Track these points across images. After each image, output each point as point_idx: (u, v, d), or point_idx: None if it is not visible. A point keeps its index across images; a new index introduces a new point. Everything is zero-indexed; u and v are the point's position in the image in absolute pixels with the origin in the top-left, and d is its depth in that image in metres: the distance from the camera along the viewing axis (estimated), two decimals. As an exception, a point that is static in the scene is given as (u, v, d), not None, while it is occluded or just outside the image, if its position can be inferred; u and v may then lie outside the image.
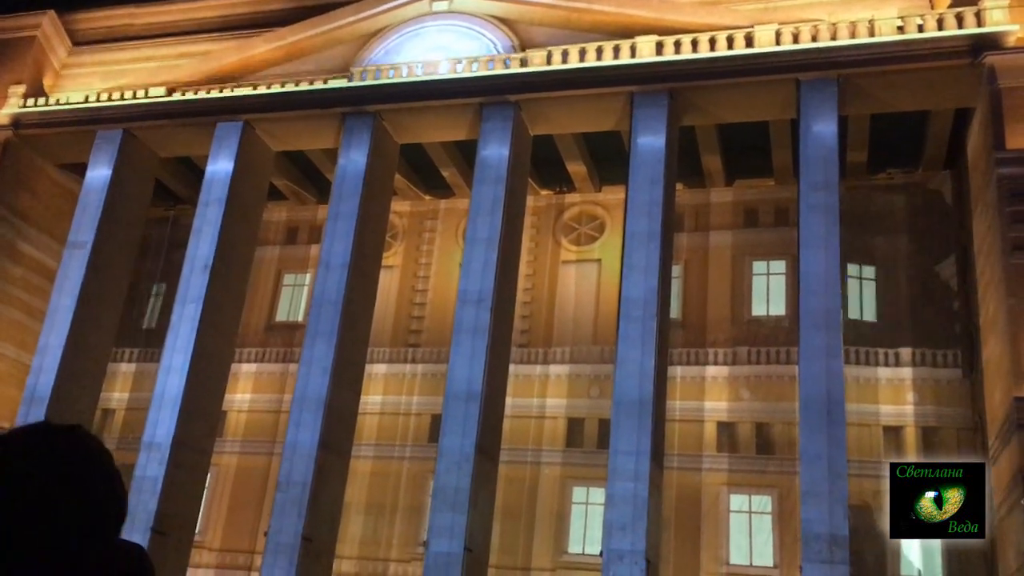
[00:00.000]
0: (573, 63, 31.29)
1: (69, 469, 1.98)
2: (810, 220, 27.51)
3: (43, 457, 1.98)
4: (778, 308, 33.80)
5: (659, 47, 30.57)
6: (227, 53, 36.36)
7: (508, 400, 30.80)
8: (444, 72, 32.85)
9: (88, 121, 36.32)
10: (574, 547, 32.50)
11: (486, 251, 29.98)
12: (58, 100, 37.34)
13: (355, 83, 34.07)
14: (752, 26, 30.04)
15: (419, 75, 33.06)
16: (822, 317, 26.31)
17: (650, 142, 29.72)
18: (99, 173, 35.28)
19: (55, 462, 1.98)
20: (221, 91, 35.20)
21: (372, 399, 34.51)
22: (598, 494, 29.58)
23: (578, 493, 33.19)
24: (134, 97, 35.91)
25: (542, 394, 34.22)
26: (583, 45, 31.52)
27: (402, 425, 35.56)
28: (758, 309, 34.24)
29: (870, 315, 32.75)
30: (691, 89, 30.10)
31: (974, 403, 29.29)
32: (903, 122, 31.02)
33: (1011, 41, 27.09)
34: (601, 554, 25.76)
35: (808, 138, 28.48)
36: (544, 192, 37.35)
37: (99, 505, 2.00)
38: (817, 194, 27.63)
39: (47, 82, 38.81)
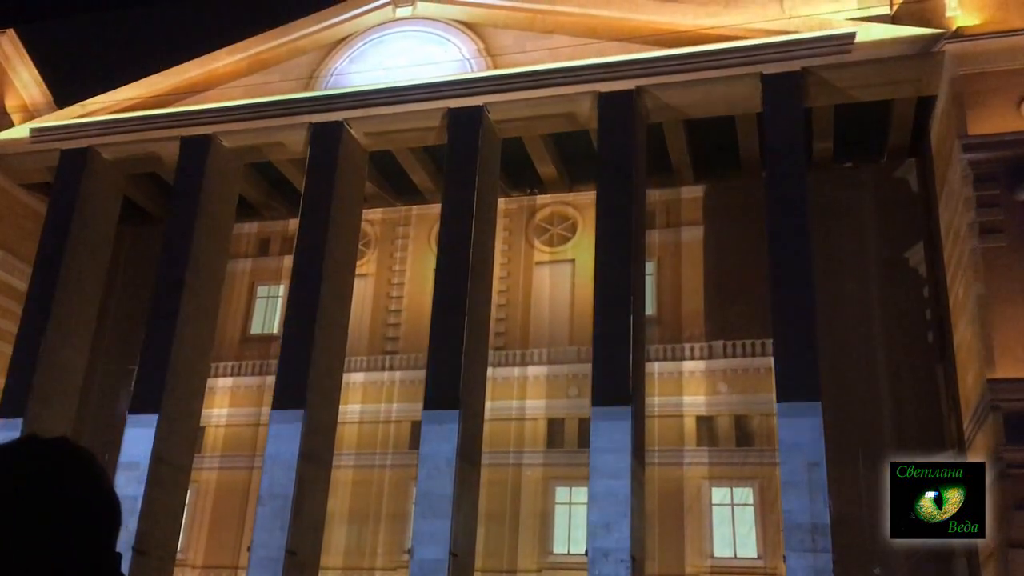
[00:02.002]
0: (539, 64, 31.37)
1: (58, 481, 1.97)
2: (778, 212, 27.77)
3: (32, 470, 1.97)
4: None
5: (624, 46, 30.73)
6: (191, 67, 36.08)
7: (487, 403, 30.80)
8: (410, 78, 32.81)
9: (52, 140, 35.93)
10: (559, 547, 32.53)
11: (459, 255, 29.97)
12: (21, 119, 36.89)
13: (320, 92, 33.96)
14: (714, 22, 30.26)
15: (385, 82, 33.00)
16: (795, 307, 26.55)
17: (618, 141, 29.85)
18: (65, 192, 34.88)
19: (44, 475, 1.96)
20: (186, 105, 34.96)
21: (351, 408, 34.37)
22: (581, 493, 29.63)
23: (561, 493, 33.23)
24: (98, 114, 35.59)
25: (521, 396, 34.22)
26: (548, 46, 31.62)
27: (382, 433, 35.44)
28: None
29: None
30: (657, 87, 30.26)
31: (947, 388, 29.61)
32: (867, 112, 31.34)
33: (969, 29, 27.47)
34: (586, 553, 25.83)
35: (773, 131, 28.75)
36: (515, 194, 37.38)
37: (91, 516, 1.99)
38: (784, 186, 27.89)
39: (8, 102, 38.33)
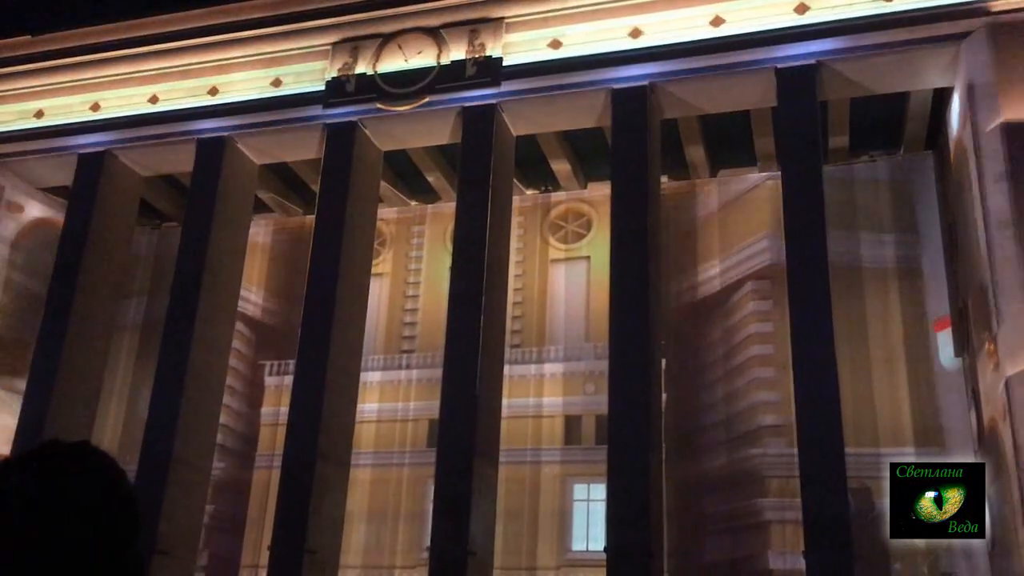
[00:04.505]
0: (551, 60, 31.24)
1: (79, 485, 1.98)
2: (794, 208, 27.59)
3: (53, 475, 1.98)
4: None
5: (635, 42, 30.57)
6: (206, 69, 36.14)
7: (504, 401, 30.79)
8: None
9: (69, 143, 36.13)
10: (577, 544, 32.55)
11: (475, 253, 29.94)
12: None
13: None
14: (727, 16, 30.03)
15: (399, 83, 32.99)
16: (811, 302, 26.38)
17: (632, 137, 29.72)
18: (82, 196, 35.08)
19: (65, 479, 1.98)
20: (201, 106, 35.10)
21: (368, 407, 34.47)
22: (599, 490, 29.62)
23: (579, 490, 33.24)
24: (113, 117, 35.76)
25: (538, 393, 34.25)
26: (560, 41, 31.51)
27: (400, 432, 35.54)
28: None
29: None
30: (671, 82, 30.09)
31: (968, 384, 29.36)
32: (883, 104, 31.07)
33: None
34: (605, 550, 25.80)
35: (788, 125, 28.55)
36: (529, 192, 37.35)
37: (111, 519, 2.00)
38: (800, 181, 27.71)
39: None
